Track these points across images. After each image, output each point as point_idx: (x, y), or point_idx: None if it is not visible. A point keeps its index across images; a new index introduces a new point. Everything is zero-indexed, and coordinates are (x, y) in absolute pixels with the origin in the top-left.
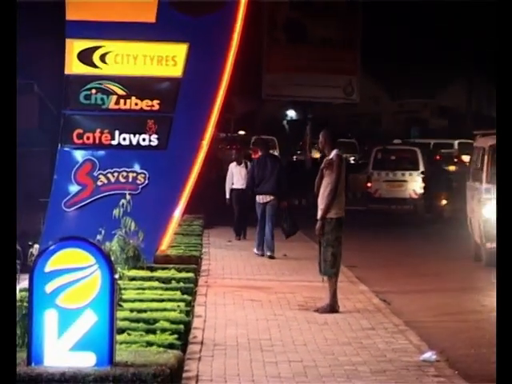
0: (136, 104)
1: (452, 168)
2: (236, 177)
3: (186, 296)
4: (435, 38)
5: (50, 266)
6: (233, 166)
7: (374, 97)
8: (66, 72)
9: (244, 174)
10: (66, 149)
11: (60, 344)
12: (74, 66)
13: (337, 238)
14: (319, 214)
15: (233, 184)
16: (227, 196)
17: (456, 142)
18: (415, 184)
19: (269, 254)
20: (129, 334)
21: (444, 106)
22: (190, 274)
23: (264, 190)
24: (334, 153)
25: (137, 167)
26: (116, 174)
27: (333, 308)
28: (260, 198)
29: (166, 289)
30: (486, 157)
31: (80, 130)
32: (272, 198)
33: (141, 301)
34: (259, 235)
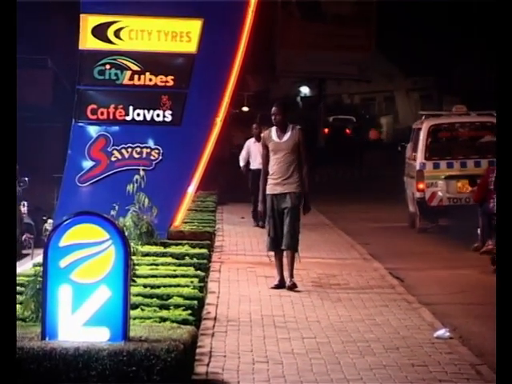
0: (150, 80)
1: None
2: (254, 155)
3: (199, 272)
4: (450, 13)
5: (65, 240)
6: (251, 143)
7: (387, 74)
8: (81, 47)
9: None
10: (80, 124)
11: (74, 319)
12: (88, 42)
13: (300, 212)
14: (295, 188)
15: (249, 163)
16: (241, 164)
17: None
18: None
19: None
20: (142, 310)
21: (458, 83)
22: (204, 250)
23: None
24: (294, 128)
25: (151, 143)
26: (130, 150)
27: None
28: None
29: (180, 265)
30: (421, 137)
31: (94, 106)
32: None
33: (154, 276)
34: None
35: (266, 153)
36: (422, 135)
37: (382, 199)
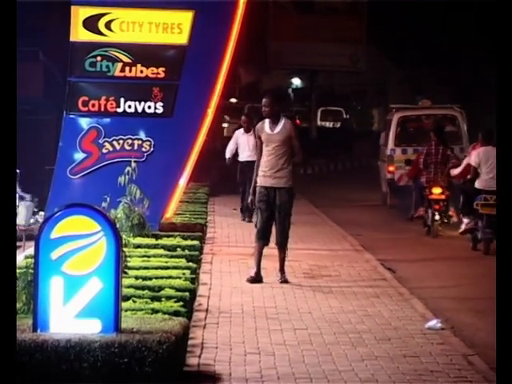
0: (141, 71)
1: None
2: (242, 146)
3: (191, 263)
4: (446, 5)
5: (56, 232)
6: (240, 134)
7: (379, 65)
8: (72, 39)
9: (252, 144)
10: (72, 116)
11: (66, 311)
12: (79, 33)
13: (291, 207)
14: (285, 183)
15: (237, 155)
16: (227, 155)
17: None
18: None
19: None
20: (134, 302)
21: (449, 75)
22: (196, 242)
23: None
24: (285, 119)
25: (142, 135)
26: (121, 142)
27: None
28: None
29: (172, 256)
30: (392, 127)
31: (85, 98)
32: None
33: (146, 268)
34: None
35: (259, 144)
36: (393, 125)
37: (367, 185)
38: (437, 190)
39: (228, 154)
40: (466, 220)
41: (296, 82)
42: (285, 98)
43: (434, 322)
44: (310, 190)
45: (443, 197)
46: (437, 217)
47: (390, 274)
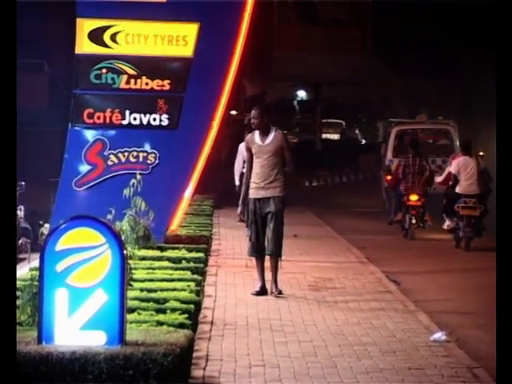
0: (147, 84)
1: None
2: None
3: (196, 276)
4: (446, 16)
5: (61, 244)
6: (243, 146)
7: (383, 77)
8: (77, 51)
9: None
10: (77, 128)
11: (71, 323)
12: (84, 46)
13: (283, 216)
14: (279, 193)
15: (243, 167)
16: (236, 182)
17: None
18: None
19: None
20: (139, 314)
21: (451, 86)
22: (201, 254)
23: None
24: (276, 130)
25: (147, 147)
26: (126, 154)
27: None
28: None
29: (176, 268)
30: (390, 139)
31: (90, 110)
32: None
33: (151, 280)
34: None
35: (249, 156)
36: (391, 138)
37: (369, 194)
38: (414, 197)
39: (237, 177)
40: (448, 222)
41: (301, 94)
42: (289, 110)
43: (438, 335)
44: (314, 203)
45: (419, 203)
46: (413, 221)
47: (394, 287)
